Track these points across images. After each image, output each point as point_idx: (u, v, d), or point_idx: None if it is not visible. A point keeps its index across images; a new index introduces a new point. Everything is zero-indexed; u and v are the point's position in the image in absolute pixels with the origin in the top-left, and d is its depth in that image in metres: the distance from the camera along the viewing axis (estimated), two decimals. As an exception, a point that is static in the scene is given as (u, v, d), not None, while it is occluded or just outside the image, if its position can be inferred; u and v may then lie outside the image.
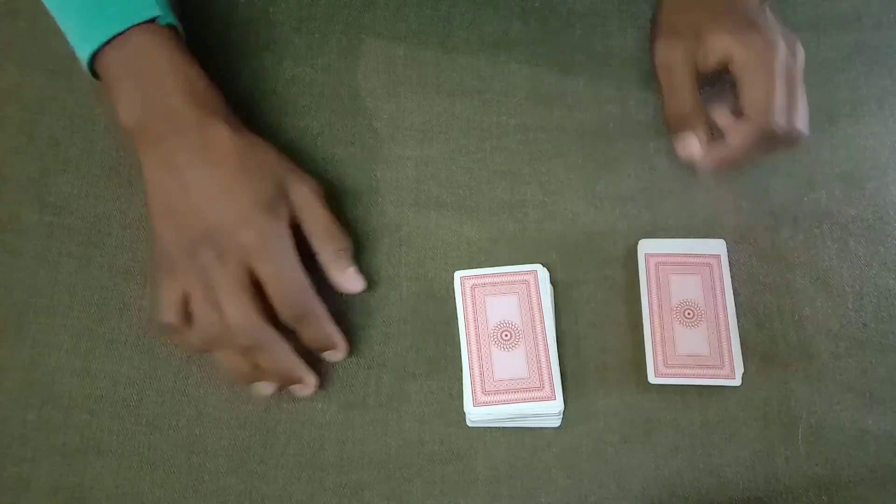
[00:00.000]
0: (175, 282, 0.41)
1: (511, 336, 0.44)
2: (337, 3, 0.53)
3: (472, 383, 0.43)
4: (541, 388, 0.42)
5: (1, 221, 0.47)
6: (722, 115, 0.45)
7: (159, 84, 0.42)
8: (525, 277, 0.45)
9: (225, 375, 0.43)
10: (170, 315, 0.41)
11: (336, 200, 0.47)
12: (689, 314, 0.45)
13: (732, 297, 0.45)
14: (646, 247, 0.47)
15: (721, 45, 0.44)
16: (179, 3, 0.47)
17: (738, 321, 0.46)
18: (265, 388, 0.42)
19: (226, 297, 0.39)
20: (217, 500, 0.43)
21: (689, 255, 0.46)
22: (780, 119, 0.42)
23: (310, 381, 0.43)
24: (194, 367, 0.45)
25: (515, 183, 0.49)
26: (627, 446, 0.44)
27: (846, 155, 0.50)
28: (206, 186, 0.40)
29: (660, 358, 0.44)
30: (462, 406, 0.43)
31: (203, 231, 0.40)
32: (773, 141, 0.43)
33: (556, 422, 0.44)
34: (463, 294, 0.45)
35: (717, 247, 0.47)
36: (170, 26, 0.43)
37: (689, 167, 0.47)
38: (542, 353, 0.43)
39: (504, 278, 0.45)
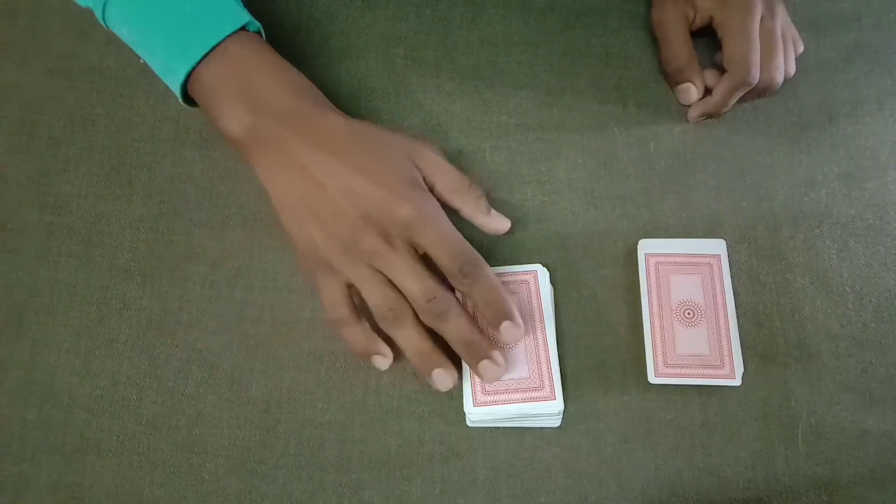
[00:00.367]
0: (333, 277, 0.40)
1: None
2: (337, 4, 0.53)
3: (472, 383, 0.42)
4: (541, 388, 0.42)
5: (1, 221, 0.47)
6: (710, 77, 0.50)
7: (264, 88, 0.42)
8: (525, 277, 0.45)
9: (411, 356, 0.41)
10: (340, 310, 0.41)
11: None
12: (689, 314, 0.45)
13: (732, 297, 0.45)
14: (646, 247, 0.47)
15: (705, 6, 0.50)
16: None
17: (738, 321, 0.46)
18: (445, 378, 0.40)
19: (407, 274, 0.39)
20: (217, 500, 0.43)
21: (689, 255, 0.46)
22: (754, 72, 0.47)
23: (496, 355, 0.40)
24: (194, 367, 0.45)
25: (515, 183, 0.49)
26: (627, 446, 0.44)
27: (846, 155, 0.50)
28: (343, 177, 0.40)
29: (660, 358, 0.44)
30: (462, 406, 0.43)
31: (358, 219, 0.39)
32: (752, 91, 0.48)
33: (556, 422, 0.44)
34: None
35: (717, 247, 0.47)
36: (256, 31, 0.44)
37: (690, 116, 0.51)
38: (542, 353, 0.43)
39: (504, 278, 0.45)
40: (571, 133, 0.50)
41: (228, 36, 0.42)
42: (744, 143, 0.50)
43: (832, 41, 0.53)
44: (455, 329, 0.40)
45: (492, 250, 0.47)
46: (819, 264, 0.48)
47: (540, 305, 0.44)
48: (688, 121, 0.51)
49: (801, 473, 0.44)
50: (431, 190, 0.43)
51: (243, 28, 0.43)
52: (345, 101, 0.50)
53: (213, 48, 0.41)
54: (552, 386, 0.42)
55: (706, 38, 0.51)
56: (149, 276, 0.46)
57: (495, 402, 0.42)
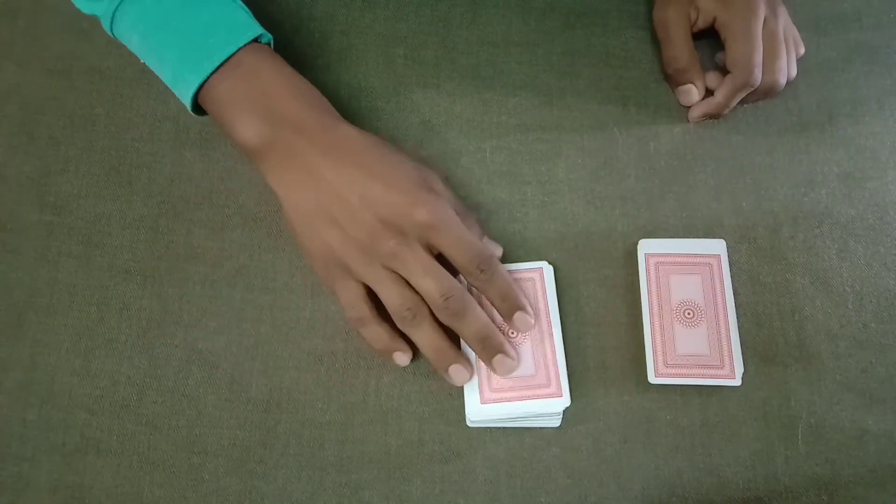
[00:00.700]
0: (351, 280, 0.41)
1: (516, 333, 0.43)
2: (337, 4, 0.53)
3: (479, 382, 0.42)
4: (547, 384, 0.42)
5: (1, 221, 0.47)
6: (712, 78, 0.50)
7: (279, 98, 0.42)
8: (531, 275, 0.45)
9: (428, 353, 0.41)
10: (360, 309, 0.41)
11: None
12: (689, 314, 0.45)
13: (732, 297, 0.45)
14: (646, 247, 0.47)
15: (707, 7, 0.50)
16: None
17: (738, 321, 0.46)
18: (463, 373, 0.41)
19: (424, 274, 0.40)
20: (217, 500, 0.43)
21: (689, 255, 0.46)
22: (757, 73, 0.47)
23: (509, 349, 0.41)
24: (194, 367, 0.45)
25: (515, 183, 0.49)
26: (627, 446, 0.44)
27: (846, 155, 0.50)
28: (361, 184, 0.40)
29: (660, 358, 0.44)
30: (462, 406, 0.43)
31: (376, 223, 0.40)
32: (754, 92, 0.49)
33: (556, 422, 0.44)
34: None
35: (717, 247, 0.46)
36: (267, 42, 0.45)
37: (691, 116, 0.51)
38: (548, 351, 0.43)
39: (512, 276, 0.45)
40: (571, 133, 0.50)
41: (241, 47, 0.42)
42: (744, 143, 0.50)
43: (832, 41, 0.53)
44: (472, 325, 0.41)
45: (492, 250, 0.47)
46: (819, 264, 0.48)
47: (546, 302, 0.44)
48: (688, 121, 0.51)
49: (801, 473, 0.44)
50: None
51: (255, 39, 0.43)
52: (345, 101, 0.50)
53: (227, 59, 0.42)
54: (559, 383, 0.42)
55: (708, 39, 0.52)
56: (149, 276, 0.46)
57: (502, 400, 0.42)
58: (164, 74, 0.44)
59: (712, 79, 0.50)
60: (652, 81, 0.52)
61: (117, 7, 0.42)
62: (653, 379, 0.44)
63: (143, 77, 0.50)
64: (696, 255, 0.46)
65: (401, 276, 0.41)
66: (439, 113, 0.50)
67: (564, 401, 0.42)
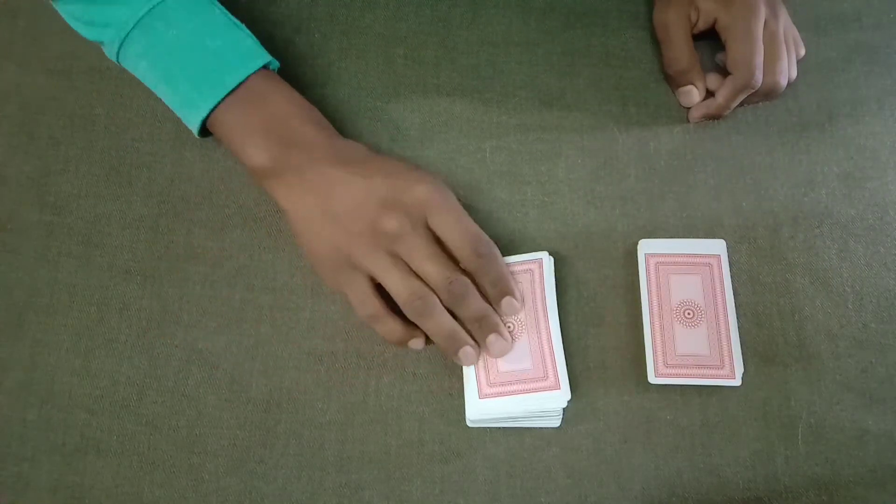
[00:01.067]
0: (358, 276, 0.42)
1: (514, 327, 0.44)
2: (337, 4, 0.53)
3: (477, 377, 0.42)
4: (545, 378, 0.42)
5: (1, 221, 0.47)
6: (713, 80, 0.50)
7: (288, 122, 0.44)
8: (530, 266, 0.45)
9: (439, 340, 0.42)
10: (371, 305, 0.42)
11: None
12: (689, 314, 0.45)
13: (732, 297, 0.45)
14: (646, 247, 0.47)
15: (708, 8, 0.50)
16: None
17: (738, 321, 0.46)
18: (472, 354, 0.42)
19: (428, 258, 0.41)
20: (217, 500, 0.43)
21: (689, 255, 0.46)
22: (758, 75, 0.48)
23: (504, 330, 0.42)
24: (194, 367, 0.45)
25: (515, 183, 0.49)
26: (627, 446, 0.44)
27: (846, 155, 0.50)
28: (362, 179, 0.42)
29: (660, 358, 0.44)
30: (462, 406, 0.43)
31: (378, 207, 0.41)
32: (754, 94, 0.49)
33: (556, 422, 0.44)
34: None
35: (717, 247, 0.46)
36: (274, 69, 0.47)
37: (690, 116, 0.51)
38: (545, 344, 0.43)
39: (512, 268, 0.45)
40: (571, 133, 0.50)
41: (253, 74, 0.44)
42: (744, 143, 0.50)
43: (832, 41, 0.53)
44: (471, 308, 0.42)
45: (492, 250, 0.47)
46: (819, 264, 0.48)
47: (543, 295, 0.44)
48: (688, 121, 0.51)
49: (801, 473, 0.44)
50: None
51: (264, 66, 0.45)
52: (345, 101, 0.50)
53: (237, 87, 0.43)
54: (556, 376, 0.42)
55: (708, 40, 0.51)
56: (149, 276, 0.46)
57: (500, 395, 0.42)
58: (173, 100, 0.45)
59: (713, 80, 0.50)
60: (652, 81, 0.52)
61: (127, 35, 0.43)
62: (653, 379, 0.44)
63: (143, 77, 0.50)
64: (696, 255, 0.46)
65: (404, 261, 0.41)
66: (439, 113, 0.50)
67: (563, 395, 0.42)
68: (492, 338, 0.42)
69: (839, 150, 0.50)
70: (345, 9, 0.53)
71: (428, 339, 0.43)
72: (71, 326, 0.45)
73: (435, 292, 0.41)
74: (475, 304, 0.42)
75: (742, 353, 0.44)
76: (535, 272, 0.44)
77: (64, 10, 0.46)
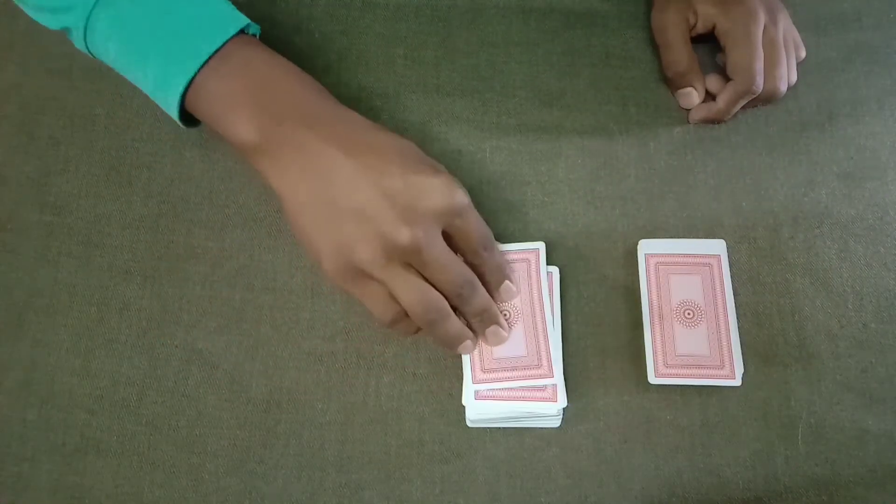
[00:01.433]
0: (372, 283, 0.39)
1: (510, 315, 0.44)
2: (337, 4, 0.53)
3: (472, 364, 0.43)
4: (538, 365, 0.43)
5: (1, 221, 0.47)
6: (713, 82, 0.50)
7: (279, 90, 0.40)
8: (527, 256, 0.45)
9: (446, 343, 0.42)
10: (391, 311, 0.40)
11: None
12: (689, 314, 0.45)
13: (732, 297, 0.45)
14: (646, 247, 0.47)
15: (707, 13, 0.50)
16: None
17: (738, 321, 0.46)
18: (470, 345, 0.43)
19: (444, 268, 0.39)
20: (217, 500, 0.43)
21: (689, 255, 0.46)
22: (759, 81, 0.48)
23: (503, 321, 0.43)
24: (194, 368, 0.45)
25: (515, 183, 0.49)
26: (627, 446, 0.44)
27: (846, 155, 0.50)
28: (376, 172, 0.38)
29: (660, 358, 0.44)
30: (462, 406, 0.43)
31: (396, 214, 0.37)
32: (755, 99, 0.49)
33: (555, 422, 0.44)
34: None
35: (717, 247, 0.46)
36: (253, 34, 0.43)
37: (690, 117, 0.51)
38: (540, 332, 0.43)
39: (509, 256, 0.45)
40: (571, 133, 0.50)
41: (229, 40, 0.40)
42: (744, 143, 0.50)
43: (832, 41, 0.53)
44: (476, 304, 0.42)
45: (492, 250, 0.47)
46: (819, 264, 0.48)
47: (539, 285, 0.44)
48: (688, 122, 0.51)
49: (801, 473, 0.44)
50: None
51: (241, 31, 0.41)
52: (345, 101, 0.50)
53: (214, 54, 0.39)
54: (550, 364, 0.42)
55: (707, 42, 0.51)
56: (149, 276, 0.46)
57: (494, 380, 0.42)
58: (147, 83, 0.41)
59: (713, 81, 0.50)
60: (652, 82, 0.52)
61: (90, 13, 0.40)
62: (653, 379, 0.44)
63: (143, 77, 0.50)
64: (696, 256, 0.46)
65: (415, 268, 0.39)
66: (439, 113, 0.50)
67: (559, 403, 0.42)
68: (492, 329, 0.42)
69: (839, 150, 0.50)
70: (345, 9, 0.53)
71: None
72: (71, 326, 0.45)
73: (446, 297, 0.40)
74: (480, 300, 0.42)
75: (742, 353, 0.44)
76: (531, 261, 0.45)
77: (24, 4, 0.42)
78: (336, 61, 0.51)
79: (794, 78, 0.50)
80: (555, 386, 0.42)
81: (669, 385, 0.44)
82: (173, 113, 0.42)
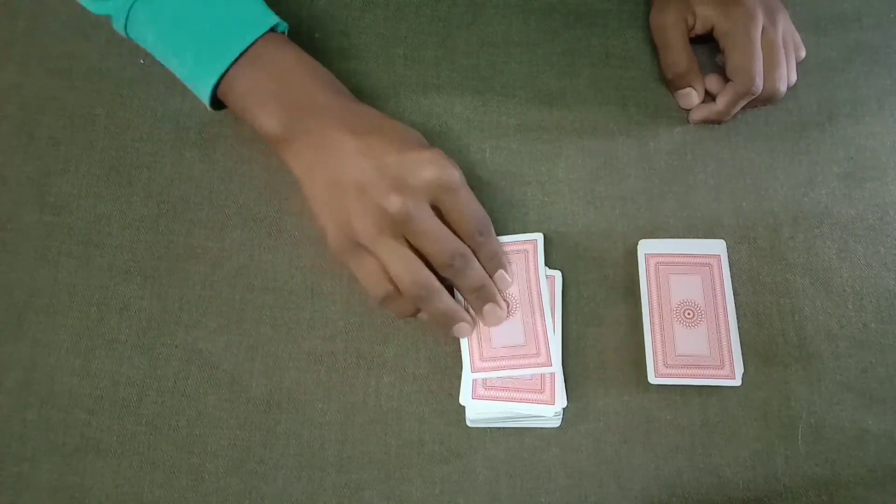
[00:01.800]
0: (366, 256, 0.41)
1: (509, 306, 0.44)
2: (337, 4, 0.53)
3: (470, 352, 0.43)
4: (537, 354, 0.43)
5: (1, 221, 0.47)
6: (713, 82, 0.50)
7: (301, 86, 0.43)
8: (525, 247, 0.45)
9: (438, 320, 0.43)
10: (383, 286, 0.41)
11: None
12: (689, 314, 0.45)
13: (732, 297, 0.45)
14: (646, 247, 0.47)
15: (705, 14, 0.50)
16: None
17: (738, 321, 0.46)
18: (467, 328, 0.43)
19: (436, 240, 0.40)
20: (217, 500, 0.43)
21: (689, 255, 0.46)
22: (758, 82, 0.48)
23: (499, 299, 0.44)
24: (194, 368, 0.45)
25: (515, 183, 0.49)
26: (627, 446, 0.44)
27: (846, 155, 0.50)
28: (376, 150, 0.40)
29: (660, 358, 0.44)
30: (461, 406, 0.43)
31: (390, 186, 0.40)
32: (754, 100, 0.49)
33: (555, 422, 0.44)
34: None
35: (717, 247, 0.47)
36: (283, 31, 0.46)
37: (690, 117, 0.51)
38: (538, 321, 0.44)
39: (506, 247, 0.45)
40: (571, 133, 0.50)
41: (261, 37, 0.43)
42: (744, 142, 0.50)
43: (832, 41, 0.53)
44: (471, 278, 0.42)
45: (492, 250, 0.47)
46: (819, 264, 0.48)
47: (537, 275, 0.44)
48: (688, 122, 0.51)
49: (801, 473, 0.44)
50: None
51: (271, 29, 0.44)
52: (345, 101, 0.50)
53: (244, 52, 0.42)
54: (548, 352, 0.43)
55: (707, 43, 0.51)
56: (149, 276, 0.46)
57: (494, 368, 0.43)
58: (182, 72, 0.44)
59: (712, 82, 0.50)
60: (652, 81, 0.52)
61: (132, 4, 0.43)
62: (653, 379, 0.44)
63: (143, 77, 0.50)
64: (696, 256, 0.46)
65: (407, 240, 0.41)
66: (439, 113, 0.50)
67: (560, 402, 0.42)
68: (489, 307, 0.43)
69: (839, 150, 0.50)
70: (345, 9, 0.53)
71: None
72: (71, 326, 0.45)
73: (439, 269, 0.41)
74: (475, 274, 0.42)
75: (742, 353, 0.44)
76: (529, 252, 0.45)
77: None
78: (336, 61, 0.51)
79: (793, 78, 0.50)
80: (553, 387, 0.42)
81: (669, 385, 0.44)
82: (205, 100, 0.44)
